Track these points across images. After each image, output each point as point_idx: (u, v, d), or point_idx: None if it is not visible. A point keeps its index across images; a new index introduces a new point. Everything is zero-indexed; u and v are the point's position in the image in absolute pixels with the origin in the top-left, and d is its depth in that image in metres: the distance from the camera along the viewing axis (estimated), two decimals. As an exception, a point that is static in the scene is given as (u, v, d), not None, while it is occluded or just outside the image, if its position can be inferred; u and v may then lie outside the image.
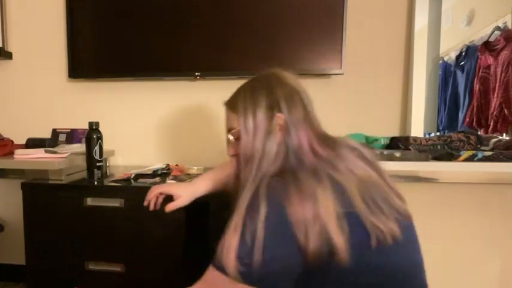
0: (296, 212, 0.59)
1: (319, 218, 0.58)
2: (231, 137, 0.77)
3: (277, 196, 0.61)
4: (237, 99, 0.75)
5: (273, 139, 0.70)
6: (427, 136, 1.41)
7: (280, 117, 0.70)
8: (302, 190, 0.60)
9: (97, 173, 1.25)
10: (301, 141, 0.69)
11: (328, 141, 0.72)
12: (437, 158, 1.18)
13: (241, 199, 0.65)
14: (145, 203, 0.98)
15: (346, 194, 0.62)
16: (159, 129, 1.65)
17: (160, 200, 0.99)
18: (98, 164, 1.24)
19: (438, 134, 1.52)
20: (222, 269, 0.61)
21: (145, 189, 1.18)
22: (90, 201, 1.18)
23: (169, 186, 0.97)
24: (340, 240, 0.58)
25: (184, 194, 0.93)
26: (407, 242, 0.66)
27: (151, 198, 0.98)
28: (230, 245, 0.60)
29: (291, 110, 0.71)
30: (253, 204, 0.62)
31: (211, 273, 0.64)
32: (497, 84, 1.42)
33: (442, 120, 1.57)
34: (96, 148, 1.22)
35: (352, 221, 0.60)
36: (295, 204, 0.59)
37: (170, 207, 0.92)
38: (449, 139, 1.24)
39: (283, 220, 0.59)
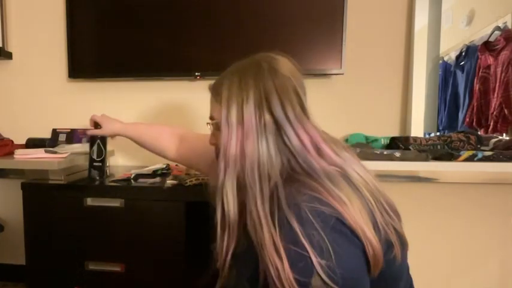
0: (346, 213, 0.52)
1: (357, 223, 0.52)
2: (210, 127, 0.70)
3: (317, 201, 0.53)
4: (222, 85, 0.65)
5: (264, 140, 0.60)
6: (427, 136, 1.41)
7: (270, 116, 0.61)
8: (332, 194, 0.54)
9: (94, 172, 1.25)
10: (303, 141, 0.60)
11: (331, 140, 0.65)
12: (437, 158, 1.18)
13: (257, 214, 0.57)
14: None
15: (365, 199, 0.57)
16: (159, 129, 1.65)
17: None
18: (95, 163, 1.24)
19: (438, 134, 1.52)
20: None
21: (145, 189, 1.18)
22: (90, 201, 1.18)
23: (101, 117, 1.14)
24: (378, 245, 0.53)
25: (106, 127, 1.12)
26: (404, 249, 0.63)
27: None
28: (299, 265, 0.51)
29: (285, 106, 0.61)
30: (300, 217, 0.53)
31: None
32: (497, 84, 1.42)
33: (442, 120, 1.57)
34: (94, 148, 1.22)
35: (375, 227, 0.55)
36: (338, 207, 0.53)
37: (90, 132, 1.15)
38: (449, 139, 1.23)
39: (338, 225, 0.52)
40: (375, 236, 0.53)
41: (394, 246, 0.57)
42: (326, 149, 0.61)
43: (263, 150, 0.60)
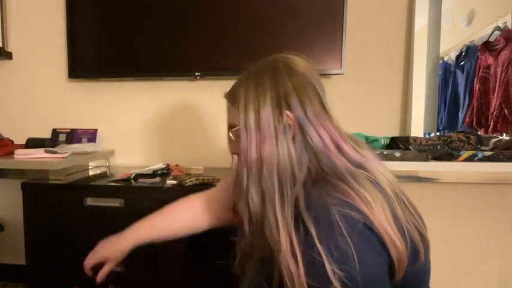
0: (374, 218, 0.51)
1: (382, 226, 0.51)
2: (232, 136, 0.67)
3: (347, 206, 0.52)
4: (239, 91, 0.64)
5: (284, 142, 0.59)
6: (427, 136, 1.41)
7: (288, 116, 0.59)
8: (360, 196, 0.53)
9: None
10: (324, 139, 0.59)
11: (351, 138, 0.64)
12: (437, 158, 1.18)
13: (274, 218, 0.56)
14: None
15: (388, 197, 0.56)
16: (159, 129, 1.65)
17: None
18: None
19: (438, 134, 1.51)
20: None
21: (145, 189, 1.18)
22: (90, 201, 1.18)
23: (97, 252, 0.85)
24: (402, 246, 0.52)
25: (112, 256, 0.83)
26: (428, 254, 0.62)
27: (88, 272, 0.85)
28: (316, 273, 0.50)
29: (305, 104, 0.60)
30: (319, 221, 0.52)
31: None
32: (497, 84, 1.42)
33: (442, 120, 1.57)
34: None
35: (399, 227, 0.54)
36: (366, 211, 0.51)
37: (100, 276, 0.82)
38: (449, 139, 1.23)
39: (366, 231, 0.51)
40: (398, 237, 0.52)
41: (417, 244, 0.56)
42: (346, 147, 0.60)
43: (284, 152, 0.59)
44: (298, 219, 0.55)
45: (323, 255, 0.50)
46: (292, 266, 0.52)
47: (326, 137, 0.60)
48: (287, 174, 0.58)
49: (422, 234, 0.58)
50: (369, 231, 0.51)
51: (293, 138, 0.60)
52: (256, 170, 0.60)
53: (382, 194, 0.55)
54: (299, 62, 0.65)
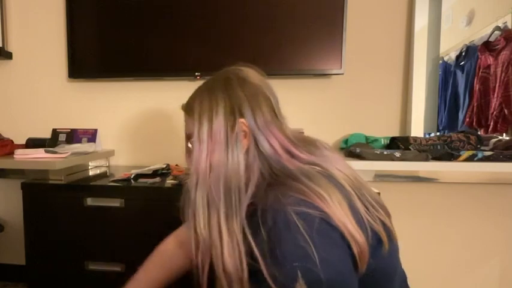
0: (331, 213, 0.52)
1: (340, 221, 0.52)
2: (191, 146, 0.68)
3: (303, 203, 0.52)
4: (194, 103, 0.67)
5: (238, 150, 0.61)
6: (427, 136, 1.41)
7: (243, 123, 0.61)
8: (315, 192, 0.53)
9: None
10: (274, 147, 0.62)
11: (304, 142, 0.66)
12: (437, 158, 1.18)
13: (218, 227, 0.58)
14: None
15: (346, 192, 0.57)
16: (159, 129, 1.65)
17: None
18: None
19: (438, 134, 1.52)
20: None
21: (145, 189, 1.19)
22: (90, 201, 1.18)
23: None
24: (362, 238, 0.53)
25: None
26: (393, 241, 0.63)
27: None
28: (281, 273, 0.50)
29: (255, 114, 0.62)
30: (276, 223, 0.52)
31: None
32: (497, 84, 1.42)
33: (442, 120, 1.57)
34: None
35: (357, 220, 0.55)
36: (323, 206, 0.52)
37: None
38: (449, 139, 1.24)
39: (323, 225, 0.51)
40: (357, 229, 0.53)
41: (381, 236, 0.57)
42: (296, 151, 0.62)
43: (233, 161, 0.60)
44: (256, 226, 0.55)
45: (283, 256, 0.50)
46: (234, 272, 0.54)
47: (276, 144, 0.62)
48: (235, 183, 0.60)
49: (384, 222, 0.59)
50: (327, 226, 0.51)
51: (248, 146, 0.62)
52: (204, 181, 0.61)
53: (339, 189, 0.56)
54: (250, 74, 0.68)
